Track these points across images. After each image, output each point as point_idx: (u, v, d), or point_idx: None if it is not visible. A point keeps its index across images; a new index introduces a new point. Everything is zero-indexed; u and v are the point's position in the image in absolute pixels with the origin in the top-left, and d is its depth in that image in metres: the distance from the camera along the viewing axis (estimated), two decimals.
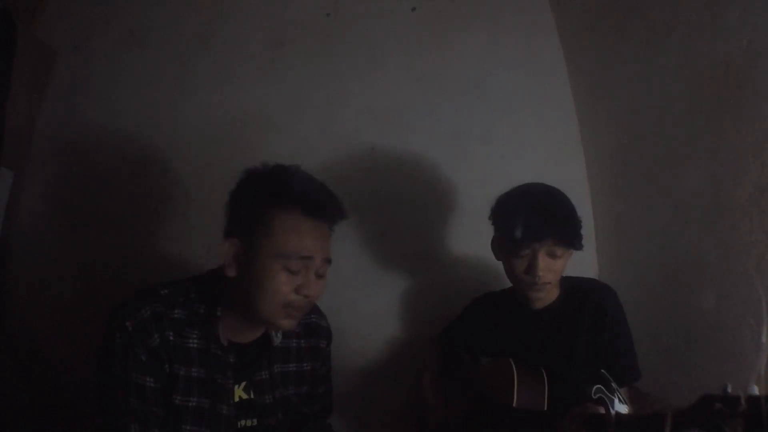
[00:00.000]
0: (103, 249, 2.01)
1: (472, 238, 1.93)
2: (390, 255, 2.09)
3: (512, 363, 1.50)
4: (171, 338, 1.25)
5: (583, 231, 1.56)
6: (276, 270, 1.22)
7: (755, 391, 0.83)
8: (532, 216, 1.49)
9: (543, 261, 1.51)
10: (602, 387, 1.19)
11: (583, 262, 1.79)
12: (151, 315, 1.24)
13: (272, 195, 1.26)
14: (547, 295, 1.59)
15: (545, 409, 1.42)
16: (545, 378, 1.47)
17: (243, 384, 1.34)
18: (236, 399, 1.33)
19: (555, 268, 1.53)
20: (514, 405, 1.43)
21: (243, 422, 1.33)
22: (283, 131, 2.08)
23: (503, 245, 1.59)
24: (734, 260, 1.47)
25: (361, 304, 2.04)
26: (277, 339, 1.38)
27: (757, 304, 1.39)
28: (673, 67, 1.68)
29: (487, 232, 1.64)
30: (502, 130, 2.12)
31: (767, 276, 1.37)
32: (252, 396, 1.35)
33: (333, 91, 2.12)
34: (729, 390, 0.84)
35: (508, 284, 1.66)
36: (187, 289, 1.31)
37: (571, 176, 2.04)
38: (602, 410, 1.16)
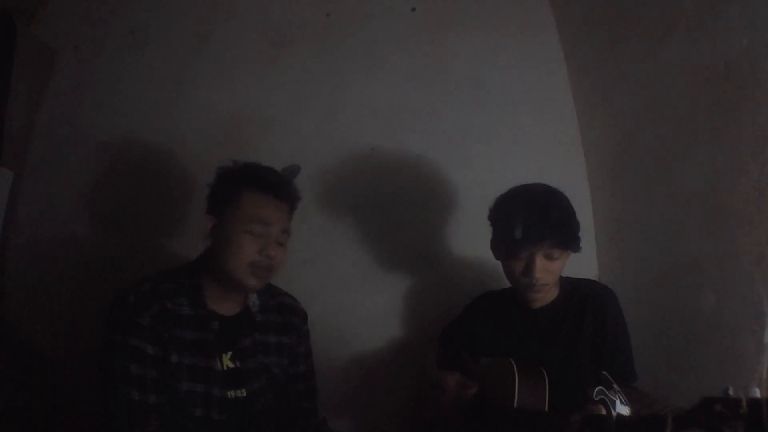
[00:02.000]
0: (103, 249, 2.01)
1: (472, 238, 1.93)
2: (390, 255, 2.09)
3: (513, 363, 1.50)
4: (168, 306, 1.44)
5: (583, 231, 1.57)
6: (240, 233, 1.46)
7: (756, 393, 0.83)
8: (529, 219, 1.49)
9: (540, 263, 1.51)
10: (603, 388, 1.19)
11: (583, 263, 1.79)
12: (150, 288, 1.45)
13: (239, 180, 1.52)
14: (545, 295, 1.60)
15: (546, 409, 1.42)
16: (546, 378, 1.47)
17: (229, 354, 1.50)
18: (224, 368, 1.49)
19: (552, 270, 1.54)
20: (514, 405, 1.43)
21: (232, 393, 1.49)
22: (283, 131, 2.09)
23: (501, 247, 1.59)
24: (734, 260, 1.47)
25: (361, 304, 2.05)
26: (255, 307, 1.56)
27: (757, 304, 1.39)
28: (673, 67, 1.68)
29: (487, 232, 1.65)
30: (502, 130, 2.12)
31: (767, 276, 1.37)
32: (238, 364, 1.50)
33: (333, 91, 2.12)
34: (730, 392, 0.84)
35: (508, 284, 1.66)
36: (177, 269, 1.54)
37: (571, 176, 2.04)
38: (603, 411, 1.16)
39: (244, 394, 1.50)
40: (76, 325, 1.91)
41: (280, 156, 2.00)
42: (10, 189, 1.89)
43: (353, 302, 2.02)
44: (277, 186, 1.53)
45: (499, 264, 1.63)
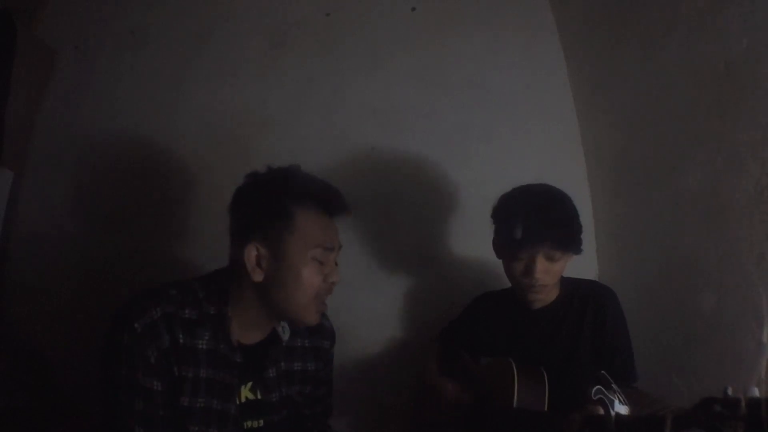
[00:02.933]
0: (103, 249, 2.01)
1: (472, 238, 1.93)
2: (390, 255, 2.09)
3: (512, 363, 1.50)
4: (181, 340, 1.24)
5: (583, 233, 1.56)
6: (308, 262, 1.27)
7: (755, 393, 0.83)
8: (531, 220, 1.49)
9: (541, 264, 1.51)
10: (602, 388, 1.19)
11: (583, 263, 1.79)
12: (162, 316, 1.24)
13: (291, 193, 1.30)
14: (546, 296, 1.59)
15: (545, 409, 1.42)
16: (545, 378, 1.47)
17: (249, 384, 1.35)
18: (242, 399, 1.33)
19: (553, 271, 1.54)
20: (514, 405, 1.43)
21: (249, 423, 1.34)
22: (283, 131, 2.09)
23: (502, 247, 1.59)
24: (734, 260, 1.47)
25: (361, 304, 2.04)
26: (285, 336, 1.39)
27: (757, 304, 1.39)
28: (673, 67, 1.68)
29: (488, 231, 1.64)
30: (502, 130, 2.12)
31: (767, 276, 1.37)
32: (258, 396, 1.35)
33: (333, 91, 2.12)
34: (729, 392, 0.84)
35: (509, 284, 1.66)
36: (195, 289, 1.31)
37: (571, 176, 2.04)
38: (602, 411, 1.16)
39: (261, 425, 1.36)
40: (76, 325, 1.91)
41: (280, 156, 1.99)
42: (10, 189, 1.89)
43: (353, 302, 2.02)
44: (334, 201, 1.34)
45: (499, 264, 1.63)
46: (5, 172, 1.86)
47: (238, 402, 1.32)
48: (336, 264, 1.34)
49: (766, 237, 1.38)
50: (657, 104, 1.77)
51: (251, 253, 1.27)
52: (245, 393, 1.34)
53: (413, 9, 2.15)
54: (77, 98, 2.07)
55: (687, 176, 1.64)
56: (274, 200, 1.30)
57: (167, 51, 2.10)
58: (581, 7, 2.09)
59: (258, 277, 1.27)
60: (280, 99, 2.11)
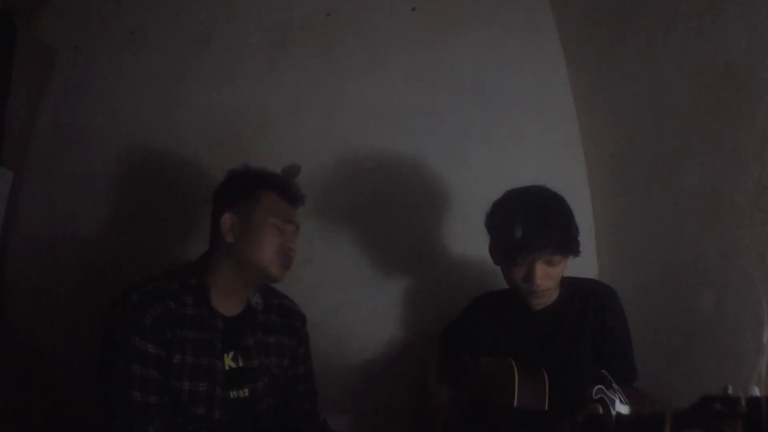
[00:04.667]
0: (103, 249, 2.01)
1: (471, 237, 1.93)
2: (390, 255, 2.09)
3: (513, 363, 1.50)
4: (172, 306, 1.45)
5: (583, 231, 1.56)
6: (266, 226, 1.54)
7: (755, 392, 0.83)
8: (528, 227, 1.47)
9: (541, 270, 1.50)
10: (603, 387, 1.19)
11: (583, 263, 1.78)
12: (153, 288, 1.46)
13: (260, 180, 1.60)
14: (547, 298, 1.59)
15: (546, 409, 1.42)
16: (546, 378, 1.47)
17: (231, 353, 1.53)
18: (226, 368, 1.51)
19: (553, 275, 1.53)
20: (514, 405, 1.43)
21: (235, 393, 1.51)
22: (283, 131, 2.09)
23: (500, 253, 1.59)
24: (734, 260, 1.47)
25: (361, 304, 2.05)
26: (258, 306, 1.60)
27: (757, 304, 1.39)
28: (673, 67, 1.68)
29: (487, 232, 1.64)
30: (502, 130, 2.12)
31: (767, 276, 1.37)
32: (240, 363, 1.53)
33: (333, 91, 2.12)
34: (729, 391, 0.84)
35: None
36: (179, 269, 1.57)
37: (571, 176, 2.04)
38: (602, 411, 1.15)
39: (246, 394, 1.53)
40: (76, 325, 1.91)
41: (280, 156, 2.00)
42: (10, 189, 1.89)
43: (353, 302, 2.02)
44: (289, 190, 1.62)
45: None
46: (5, 172, 1.85)
47: (222, 368, 1.49)
48: (296, 233, 1.60)
49: (766, 237, 1.38)
50: (657, 104, 1.77)
51: (226, 221, 1.54)
52: (228, 362, 1.52)
53: (413, 9, 2.15)
54: (77, 98, 2.07)
55: (687, 176, 1.64)
56: (246, 184, 1.59)
57: (167, 51, 2.10)
58: (581, 7, 2.09)
59: (230, 238, 1.53)
60: (280, 99, 2.11)
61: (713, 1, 1.53)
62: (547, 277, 1.52)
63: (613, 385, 1.21)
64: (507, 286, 1.69)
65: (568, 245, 1.51)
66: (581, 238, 1.56)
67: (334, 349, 1.98)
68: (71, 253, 2.00)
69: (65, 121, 2.06)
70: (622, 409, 1.16)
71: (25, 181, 1.99)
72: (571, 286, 1.63)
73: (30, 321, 1.96)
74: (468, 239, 2.02)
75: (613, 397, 1.17)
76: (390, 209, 2.09)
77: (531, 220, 1.49)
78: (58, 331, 1.94)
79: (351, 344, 2.00)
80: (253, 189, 1.58)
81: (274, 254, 1.53)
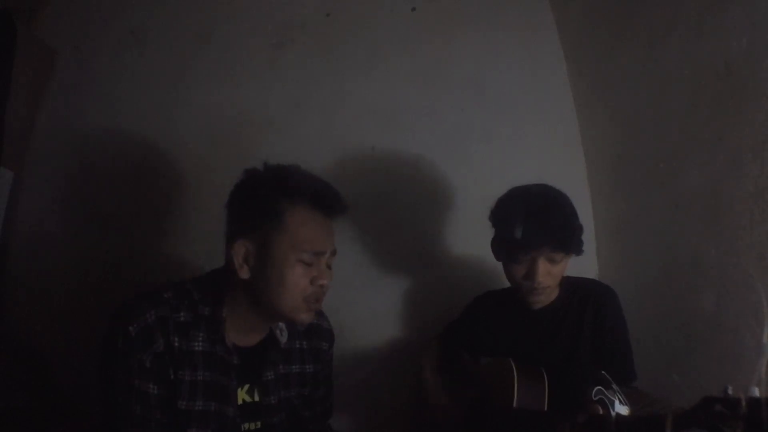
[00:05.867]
0: (103, 249, 2.01)
1: (472, 238, 1.93)
2: (390, 255, 2.09)
3: (512, 363, 1.50)
4: (176, 343, 1.24)
5: (583, 233, 1.56)
6: (293, 263, 1.24)
7: (756, 393, 0.83)
8: (531, 223, 1.47)
9: (543, 267, 1.50)
10: (602, 388, 1.19)
11: (583, 262, 1.78)
12: (156, 319, 1.23)
13: (283, 191, 1.27)
14: (547, 297, 1.59)
15: (545, 409, 1.42)
16: (545, 378, 1.47)
17: (246, 387, 1.34)
18: (240, 402, 1.32)
19: (554, 273, 1.53)
20: (514, 405, 1.43)
21: (247, 425, 1.33)
22: (283, 131, 2.08)
23: (502, 250, 1.59)
24: (734, 260, 1.47)
25: (361, 304, 2.04)
26: (283, 339, 1.38)
27: (757, 304, 1.39)
28: (673, 67, 1.68)
29: (487, 232, 1.64)
30: (502, 130, 2.12)
31: (767, 276, 1.37)
32: (256, 398, 1.34)
33: (333, 91, 2.12)
34: (729, 391, 0.84)
35: (509, 283, 1.66)
36: (190, 291, 1.30)
37: (571, 176, 2.04)
38: (602, 411, 1.16)
39: (259, 427, 1.34)
40: (76, 325, 1.90)
41: (280, 156, 1.99)
42: (10, 189, 1.89)
43: (353, 302, 2.02)
44: (329, 199, 1.30)
45: (498, 263, 1.63)
46: (5, 172, 1.85)
47: (236, 404, 1.31)
48: (329, 267, 1.32)
49: (766, 237, 1.38)
50: (657, 104, 1.77)
51: (239, 249, 1.26)
52: (242, 395, 1.33)
53: (413, 9, 2.15)
54: (77, 98, 2.06)
55: (687, 176, 1.64)
56: (264, 198, 1.27)
57: (167, 51, 2.09)
58: (581, 7, 2.09)
59: (244, 274, 1.26)
60: (280, 99, 2.10)
61: (713, 1, 1.53)
62: (549, 275, 1.52)
63: (613, 385, 1.21)
64: (507, 286, 1.69)
65: (570, 243, 1.51)
66: (583, 240, 1.56)
67: (334, 349, 1.97)
68: (71, 253, 2.00)
69: (65, 121, 2.05)
70: (622, 409, 1.16)
71: (25, 181, 1.99)
72: (570, 286, 1.63)
73: (30, 321, 1.96)
74: (468, 239, 2.02)
75: (613, 398, 1.17)
76: (390, 209, 2.09)
77: (534, 217, 1.49)
78: (58, 331, 1.94)
79: (351, 344, 1.99)
80: (273, 206, 1.25)
81: (302, 300, 1.26)
